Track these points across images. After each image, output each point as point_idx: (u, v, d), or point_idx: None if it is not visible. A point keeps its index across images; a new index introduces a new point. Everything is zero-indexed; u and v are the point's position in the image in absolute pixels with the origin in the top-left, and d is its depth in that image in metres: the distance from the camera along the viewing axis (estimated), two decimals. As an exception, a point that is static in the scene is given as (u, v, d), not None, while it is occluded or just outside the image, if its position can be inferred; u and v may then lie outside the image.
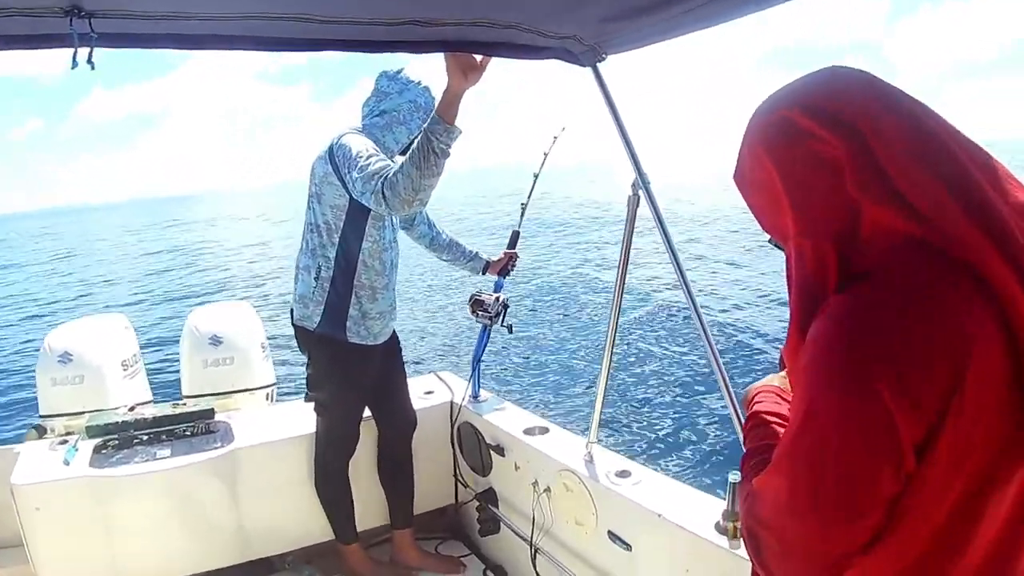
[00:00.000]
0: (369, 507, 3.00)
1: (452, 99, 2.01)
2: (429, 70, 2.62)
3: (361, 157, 2.30)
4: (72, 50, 1.46)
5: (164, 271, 24.85)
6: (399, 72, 2.62)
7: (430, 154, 2.05)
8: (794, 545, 0.86)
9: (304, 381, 2.89)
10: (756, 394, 1.19)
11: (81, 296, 20.30)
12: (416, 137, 2.13)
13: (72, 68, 1.47)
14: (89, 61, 1.49)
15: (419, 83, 2.61)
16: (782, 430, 1.02)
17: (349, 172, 2.33)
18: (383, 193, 2.17)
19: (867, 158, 0.82)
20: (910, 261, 0.82)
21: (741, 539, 1.86)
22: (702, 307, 1.98)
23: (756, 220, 0.98)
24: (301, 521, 2.93)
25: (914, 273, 0.81)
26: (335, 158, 2.43)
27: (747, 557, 1.76)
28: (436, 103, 2.11)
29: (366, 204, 2.32)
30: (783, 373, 1.21)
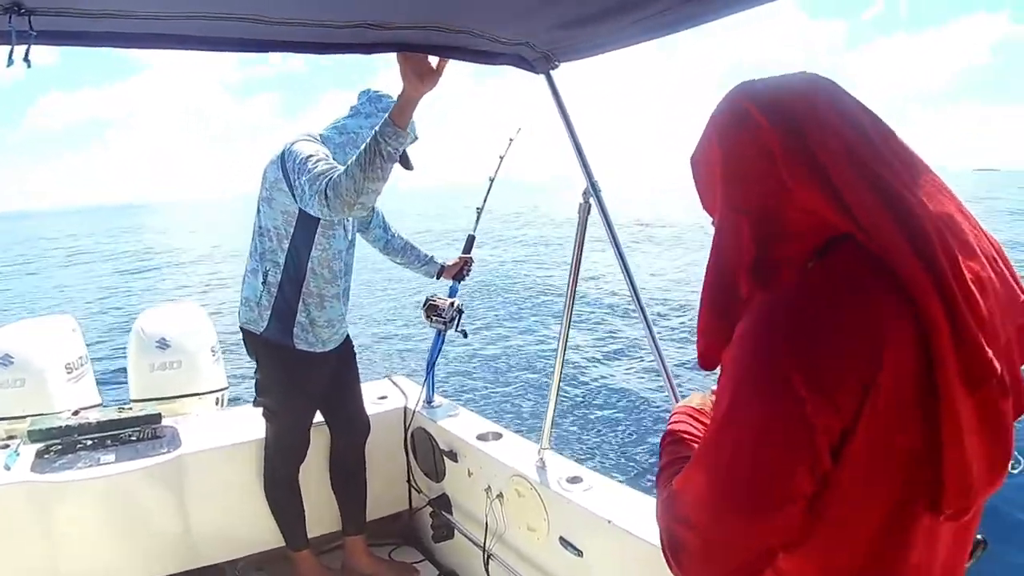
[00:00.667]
0: (320, 513, 2.97)
1: (406, 104, 1.97)
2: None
3: (310, 161, 2.24)
4: (9, 48, 1.42)
5: (117, 275, 24.39)
6: (381, 95, 2.58)
7: (376, 156, 2.00)
8: (713, 540, 0.88)
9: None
10: (673, 415, 1.21)
11: (30, 300, 19.77)
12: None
13: (8, 66, 1.44)
14: (26, 59, 1.46)
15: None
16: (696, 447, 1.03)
17: (298, 178, 2.26)
18: (326, 194, 2.10)
19: (804, 152, 0.85)
20: (836, 260, 0.85)
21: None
22: (652, 317, 2.00)
23: (699, 200, 1.02)
24: (251, 527, 2.88)
25: (838, 273, 0.84)
26: (286, 163, 2.36)
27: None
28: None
29: (309, 210, 2.26)
30: (705, 393, 1.24)
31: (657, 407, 7.44)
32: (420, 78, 1.91)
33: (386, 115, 2.00)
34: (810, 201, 0.86)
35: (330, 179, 2.11)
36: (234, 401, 3.94)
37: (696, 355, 0.99)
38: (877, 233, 0.82)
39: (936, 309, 0.78)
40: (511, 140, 3.09)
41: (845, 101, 0.89)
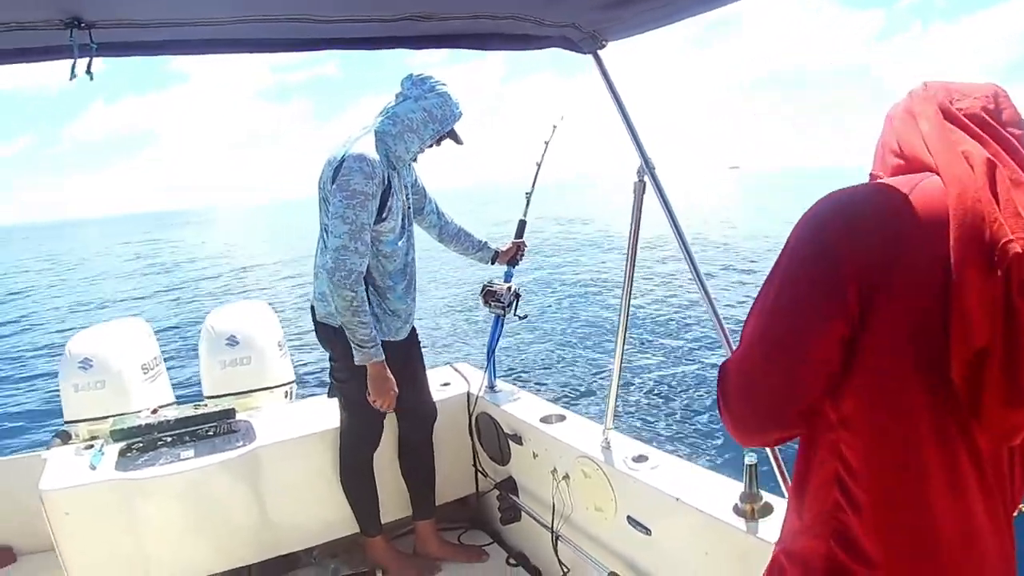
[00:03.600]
0: (391, 499, 3.03)
1: (370, 375, 2.61)
2: (453, 75, 2.64)
3: (346, 215, 2.45)
4: (72, 61, 1.47)
5: (177, 279, 24.96)
6: (424, 77, 2.63)
7: (346, 324, 2.52)
8: (759, 373, 1.00)
9: (324, 377, 2.91)
10: None
11: (98, 306, 20.47)
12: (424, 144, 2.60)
13: (71, 79, 1.49)
14: (88, 71, 1.51)
15: (439, 92, 2.60)
16: None
17: (332, 208, 2.47)
18: (330, 269, 2.45)
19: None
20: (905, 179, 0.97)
21: (759, 520, 1.87)
22: (713, 296, 1.98)
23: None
24: (324, 516, 2.96)
25: (903, 179, 0.97)
26: (339, 171, 2.47)
27: (766, 539, 1.78)
28: (453, 114, 2.60)
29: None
30: None
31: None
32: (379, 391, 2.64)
33: (372, 348, 2.54)
34: (910, 149, 1.01)
35: (337, 261, 2.45)
36: (301, 394, 4.03)
37: None
38: (938, 158, 0.95)
39: (966, 199, 0.88)
40: (555, 127, 3.08)
41: (981, 101, 1.00)
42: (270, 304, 4.08)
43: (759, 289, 1.01)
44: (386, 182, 2.53)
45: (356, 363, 2.58)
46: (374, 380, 2.63)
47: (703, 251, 17.73)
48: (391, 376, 2.65)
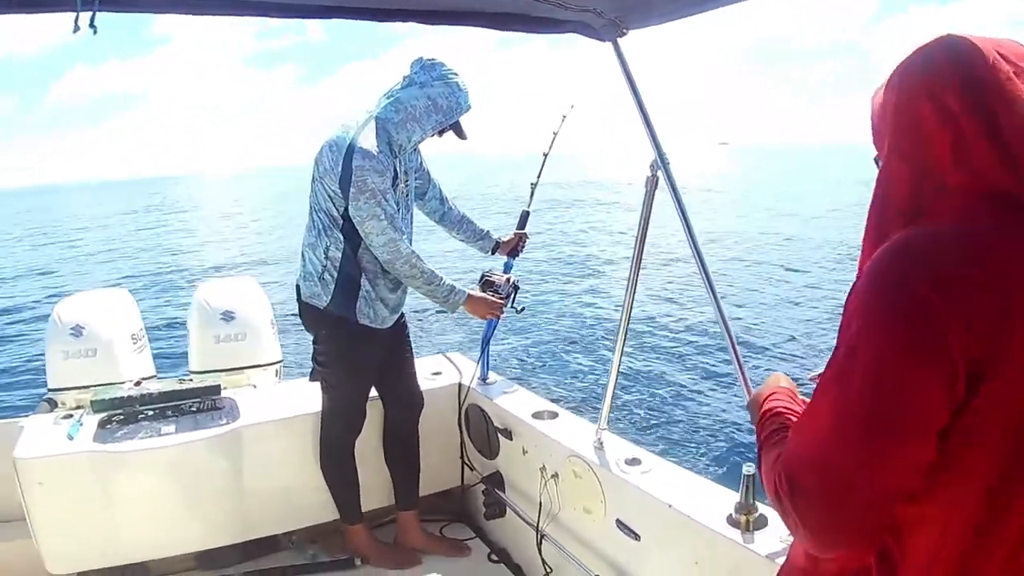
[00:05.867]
0: (374, 488, 2.97)
1: (467, 308, 2.69)
2: (462, 59, 2.59)
3: (377, 222, 2.46)
4: (74, 14, 1.43)
5: (153, 249, 24.69)
6: (435, 63, 2.57)
7: (430, 296, 2.63)
8: (837, 475, 0.81)
9: (308, 359, 2.85)
10: (769, 394, 1.14)
11: (76, 272, 20.25)
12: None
13: (74, 32, 1.45)
14: (92, 25, 1.46)
15: (446, 80, 2.55)
16: None
17: (363, 223, 2.48)
18: (384, 257, 2.52)
19: (982, 108, 0.82)
20: (982, 208, 0.82)
21: (754, 532, 1.82)
22: (721, 296, 1.92)
23: (872, 135, 0.99)
24: (306, 500, 2.90)
25: (978, 214, 0.81)
26: (350, 165, 2.43)
27: (760, 552, 1.72)
28: (460, 107, 2.55)
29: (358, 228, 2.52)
30: (786, 375, 1.20)
31: (723, 389, 7.25)
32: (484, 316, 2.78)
33: (456, 295, 2.63)
34: (978, 158, 0.82)
35: (392, 253, 2.50)
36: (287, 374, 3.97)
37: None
38: None
39: None
40: (564, 116, 3.02)
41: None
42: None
43: (831, 364, 0.86)
44: (393, 172, 2.52)
45: (452, 312, 2.71)
46: (475, 311, 2.73)
47: (711, 245, 17.63)
48: (484, 295, 2.76)
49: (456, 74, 2.56)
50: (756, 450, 1.04)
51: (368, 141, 2.46)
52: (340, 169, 2.45)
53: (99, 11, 1.45)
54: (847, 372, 0.82)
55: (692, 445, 6.12)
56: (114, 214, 49.77)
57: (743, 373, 1.88)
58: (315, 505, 2.90)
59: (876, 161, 0.95)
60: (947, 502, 0.81)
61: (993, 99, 0.81)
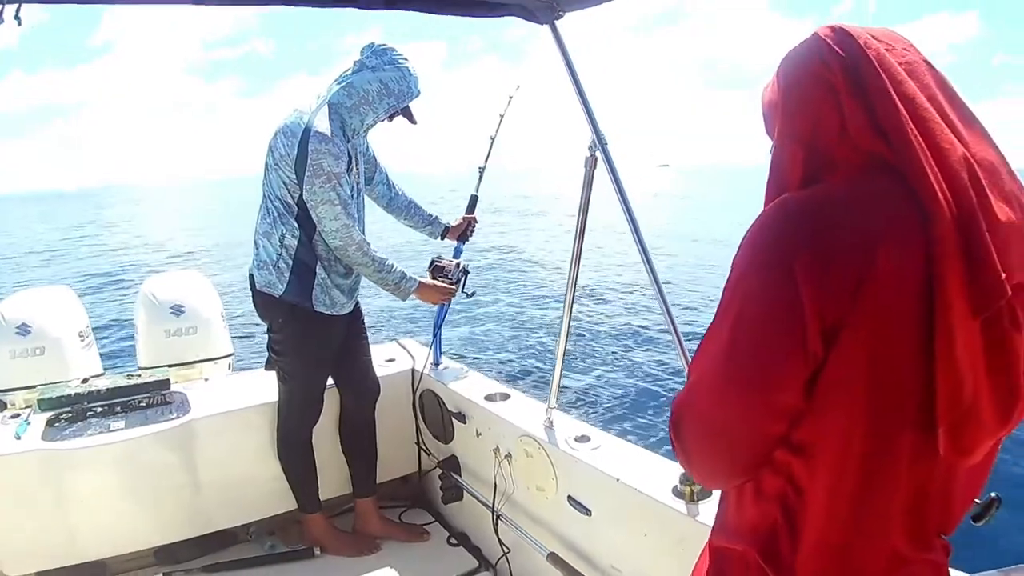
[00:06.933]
0: (331, 476, 2.98)
1: (418, 296, 2.74)
2: (424, 52, 2.59)
3: (331, 206, 2.47)
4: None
5: (94, 254, 24.10)
6: (385, 48, 2.58)
7: (380, 283, 2.64)
8: (713, 417, 0.91)
9: (262, 350, 2.84)
10: None
11: (11, 273, 19.68)
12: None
13: (-1, 24, 1.42)
14: (16, 17, 1.44)
15: (399, 66, 2.56)
16: None
17: (316, 207, 2.48)
18: (335, 244, 2.52)
19: (858, 84, 0.87)
20: (861, 175, 0.87)
21: (698, 503, 1.87)
22: (660, 277, 1.97)
23: (763, 124, 1.04)
24: (262, 491, 2.90)
25: (855, 181, 0.87)
26: (305, 148, 2.43)
27: (704, 521, 1.78)
28: (411, 91, 2.59)
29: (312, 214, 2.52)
30: None
31: (666, 366, 7.44)
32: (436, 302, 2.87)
33: (407, 283, 2.66)
34: (856, 132, 0.87)
35: (344, 239, 2.51)
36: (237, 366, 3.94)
37: (707, 313, 0.99)
38: (903, 147, 0.83)
39: (945, 219, 0.79)
40: (510, 97, 3.03)
41: (912, 52, 0.90)
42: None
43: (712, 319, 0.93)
44: (348, 156, 2.53)
45: (403, 300, 2.74)
46: (426, 298, 2.78)
47: (655, 240, 17.93)
48: (435, 282, 2.82)
49: (406, 59, 2.57)
50: None
51: (323, 125, 2.46)
52: (296, 153, 2.44)
53: (25, 3, 1.43)
54: (718, 326, 0.90)
55: (638, 420, 6.26)
56: (51, 222, 48.45)
57: (682, 347, 1.93)
58: (272, 496, 2.90)
59: (770, 151, 1.00)
60: (830, 452, 0.86)
61: (866, 74, 0.86)
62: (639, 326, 9.16)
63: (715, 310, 0.92)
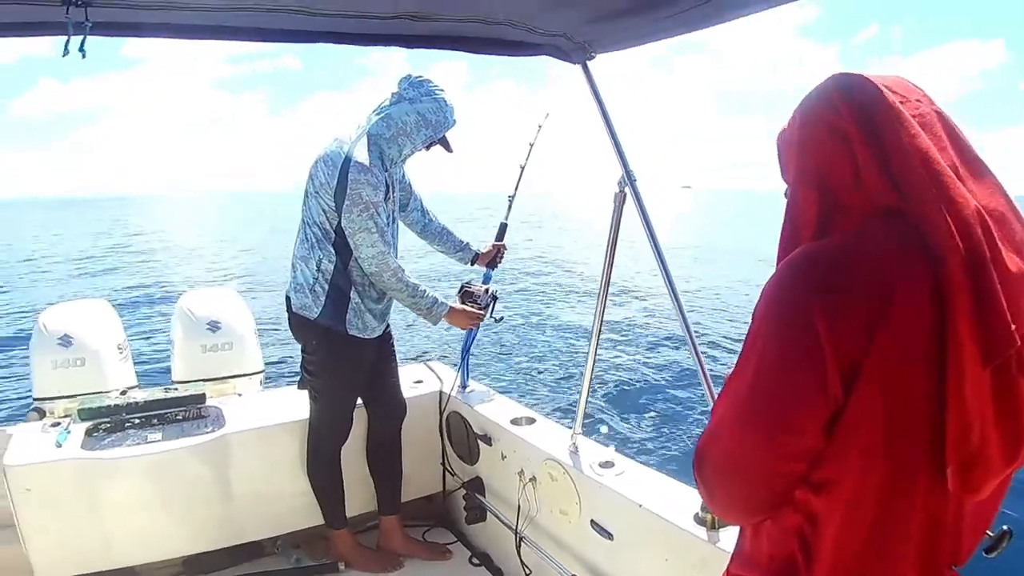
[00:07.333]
0: (357, 493, 3.03)
1: (450, 320, 2.80)
2: (446, 74, 2.67)
3: (369, 233, 2.55)
4: (65, 38, 1.48)
5: (125, 266, 24.25)
6: (422, 80, 2.65)
7: (413, 308, 2.71)
8: (734, 455, 0.95)
9: (294, 368, 2.91)
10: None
11: (49, 286, 19.86)
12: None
13: (64, 55, 1.50)
14: (81, 49, 1.51)
15: (435, 96, 2.63)
16: None
17: (353, 234, 2.56)
18: (371, 270, 2.60)
19: (872, 135, 0.91)
20: (874, 225, 0.91)
21: (719, 530, 1.91)
22: (688, 309, 2.02)
23: (780, 171, 1.09)
24: (291, 506, 2.96)
25: (868, 231, 0.91)
26: (345, 178, 2.50)
27: (725, 548, 1.81)
28: (447, 121, 2.64)
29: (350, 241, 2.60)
30: None
31: (689, 395, 7.46)
32: (465, 325, 2.89)
33: (439, 307, 2.72)
34: (870, 180, 0.92)
35: (380, 266, 2.59)
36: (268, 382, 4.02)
37: (733, 344, 1.03)
38: (917, 200, 0.87)
39: (957, 268, 0.83)
40: (540, 127, 3.09)
41: (925, 104, 0.94)
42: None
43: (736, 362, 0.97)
44: (386, 186, 2.60)
45: (434, 323, 2.80)
46: (456, 322, 2.85)
47: (679, 268, 17.97)
48: (464, 307, 2.86)
49: (443, 90, 2.65)
50: None
51: (362, 155, 2.54)
52: (335, 182, 2.52)
53: (91, 35, 1.51)
54: (742, 370, 0.95)
55: (662, 447, 6.27)
56: (80, 231, 49.07)
57: (706, 378, 1.97)
58: (299, 511, 2.96)
59: (785, 194, 1.05)
60: (847, 488, 0.90)
61: (881, 126, 0.91)
62: (666, 359, 9.17)
63: (738, 353, 0.97)
